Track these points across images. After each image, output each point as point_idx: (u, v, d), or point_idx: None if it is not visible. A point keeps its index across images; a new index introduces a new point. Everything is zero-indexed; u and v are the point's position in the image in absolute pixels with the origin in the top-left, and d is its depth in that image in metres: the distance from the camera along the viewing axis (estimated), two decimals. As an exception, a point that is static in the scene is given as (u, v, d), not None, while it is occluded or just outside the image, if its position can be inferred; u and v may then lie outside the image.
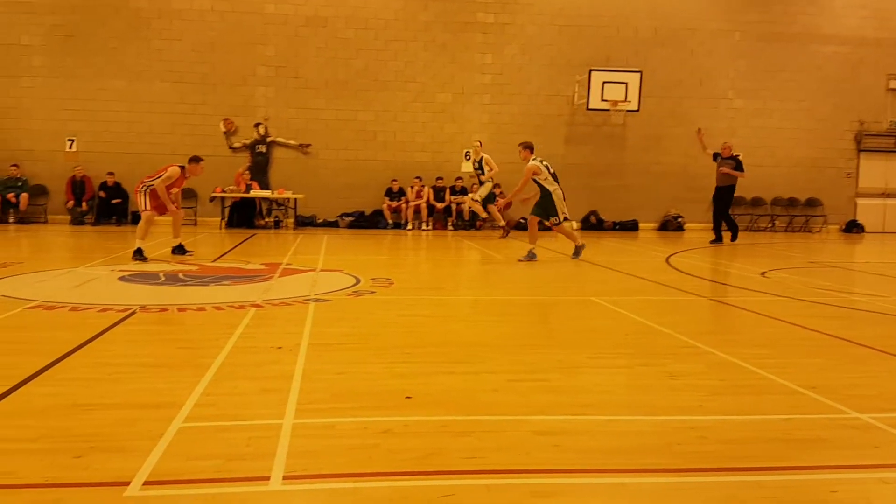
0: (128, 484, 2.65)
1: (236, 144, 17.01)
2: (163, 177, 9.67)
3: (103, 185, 16.35)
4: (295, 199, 16.69)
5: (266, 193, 16.43)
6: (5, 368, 4.16)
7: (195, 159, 10.01)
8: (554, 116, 17.99)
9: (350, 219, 17.10)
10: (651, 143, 18.24)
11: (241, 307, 6.26)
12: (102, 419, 3.35)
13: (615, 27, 17.97)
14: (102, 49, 16.51)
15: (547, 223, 10.53)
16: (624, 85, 17.22)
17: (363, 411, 3.54)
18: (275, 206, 17.02)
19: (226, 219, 16.31)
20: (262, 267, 9.16)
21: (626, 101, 17.28)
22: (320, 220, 17.22)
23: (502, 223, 14.79)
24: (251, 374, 4.18)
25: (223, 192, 16.06)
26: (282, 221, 16.96)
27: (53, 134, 16.49)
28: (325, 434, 3.24)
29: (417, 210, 16.99)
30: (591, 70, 17.25)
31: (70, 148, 16.48)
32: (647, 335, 5.62)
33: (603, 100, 17.27)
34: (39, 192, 16.48)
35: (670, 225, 18.21)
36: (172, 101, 16.74)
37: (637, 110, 17.56)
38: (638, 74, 17.31)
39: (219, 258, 10.25)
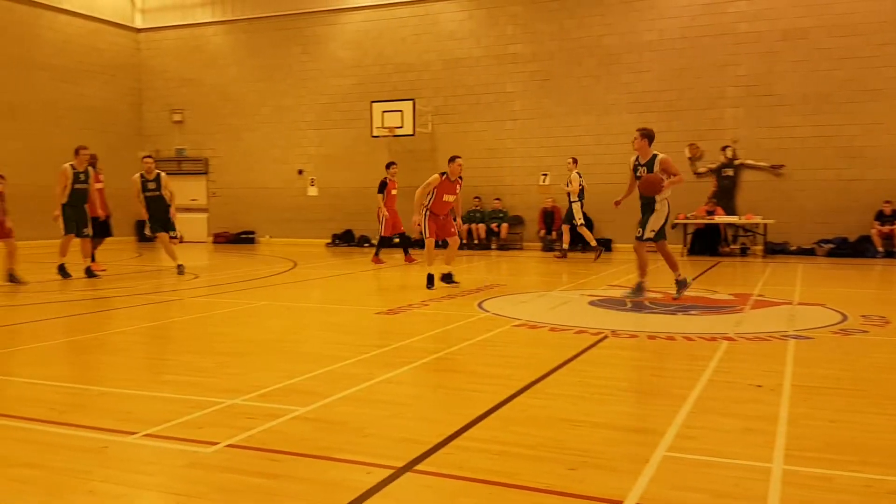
0: (620, 503, 2.72)
1: (701, 169, 16.75)
2: (423, 185, 9.49)
3: (571, 215, 17.67)
4: (764, 225, 15.69)
5: (732, 219, 15.80)
6: (503, 379, 4.68)
7: (451, 159, 9.67)
8: None
9: (830, 246, 15.38)
10: None
11: (713, 339, 6.05)
12: (590, 436, 3.51)
13: None
14: (575, 88, 17.92)
15: (640, 238, 8.43)
16: None
17: (865, 467, 3.11)
18: (741, 232, 16.25)
19: (688, 245, 16.14)
20: (731, 297, 8.78)
21: None
22: (794, 248, 15.86)
23: (593, 243, 14.26)
24: (731, 411, 3.98)
25: (686, 218, 15.94)
26: (749, 249, 16.09)
27: (529, 169, 18.43)
28: (821, 486, 2.92)
29: (917, 236, 14.48)
30: None
31: (543, 182, 18.21)
32: None
33: None
34: (517, 221, 18.55)
35: None
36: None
37: None
38: None
39: (684, 285, 10.13)
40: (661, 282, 10.29)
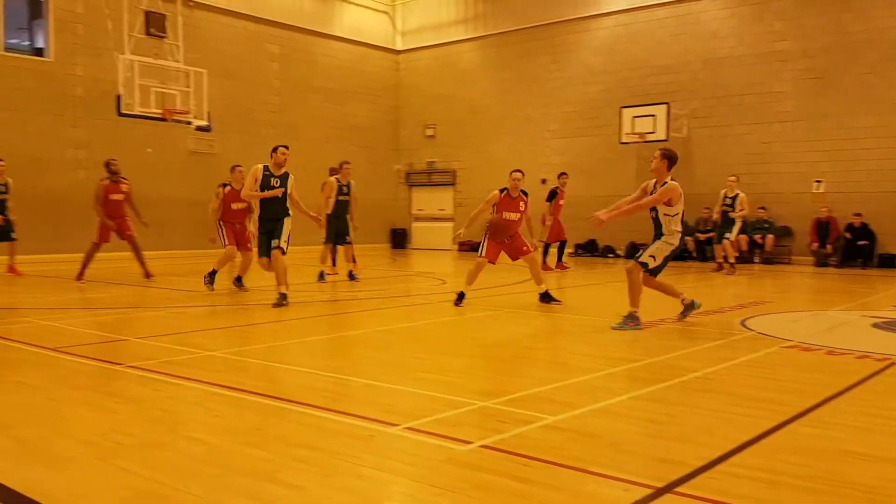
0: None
1: None
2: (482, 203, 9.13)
3: (849, 227, 15.81)
4: None
5: None
6: (771, 403, 4.27)
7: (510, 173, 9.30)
8: None
9: None
10: None
11: None
12: (878, 472, 3.07)
13: None
14: (853, 86, 16.06)
15: (637, 259, 7.23)
16: None
17: None
18: None
19: None
20: None
21: None
22: None
23: (732, 259, 13.83)
24: None
25: None
26: None
27: (800, 175, 16.81)
28: None
29: None
30: None
31: (817, 189, 16.50)
32: None
33: None
34: (784, 233, 16.98)
35: None
36: (930, 132, 15.09)
37: None
38: None
39: None
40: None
